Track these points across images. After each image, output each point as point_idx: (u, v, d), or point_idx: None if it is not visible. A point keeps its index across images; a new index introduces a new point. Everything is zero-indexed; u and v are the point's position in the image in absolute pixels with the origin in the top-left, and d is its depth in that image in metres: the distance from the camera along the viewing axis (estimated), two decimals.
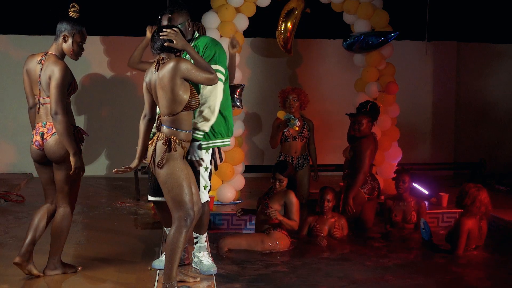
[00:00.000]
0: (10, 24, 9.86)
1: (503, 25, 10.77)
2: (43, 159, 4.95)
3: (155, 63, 4.59)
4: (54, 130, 4.82)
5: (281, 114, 7.38)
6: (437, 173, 10.29)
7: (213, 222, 7.22)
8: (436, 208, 7.84)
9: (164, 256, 4.92)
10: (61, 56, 4.92)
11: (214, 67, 4.79)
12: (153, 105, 4.70)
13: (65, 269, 5.15)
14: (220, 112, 5.01)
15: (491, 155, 10.68)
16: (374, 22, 8.46)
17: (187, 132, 4.59)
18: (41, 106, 4.87)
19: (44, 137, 4.85)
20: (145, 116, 4.72)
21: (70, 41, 4.89)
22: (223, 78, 4.93)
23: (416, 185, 8.14)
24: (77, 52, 4.96)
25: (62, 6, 4.89)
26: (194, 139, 4.82)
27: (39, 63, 4.85)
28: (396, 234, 7.17)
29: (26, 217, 7.18)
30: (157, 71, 4.54)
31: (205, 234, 5.19)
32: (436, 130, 10.94)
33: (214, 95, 4.85)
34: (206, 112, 4.83)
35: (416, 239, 7.04)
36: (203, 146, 4.93)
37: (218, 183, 7.82)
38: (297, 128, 7.34)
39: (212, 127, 4.96)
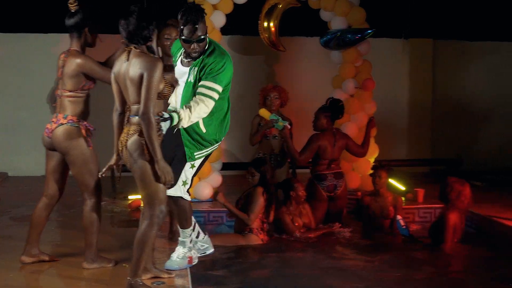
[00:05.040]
0: None
1: (478, 23, 10.85)
2: (50, 146, 5.15)
3: (126, 52, 4.43)
4: (60, 122, 5.03)
5: (264, 112, 7.28)
6: (414, 169, 10.36)
7: None
8: (412, 204, 7.90)
9: (174, 253, 4.92)
10: (82, 50, 5.13)
11: (212, 84, 4.59)
12: (123, 97, 4.56)
13: (103, 263, 5.20)
14: (214, 123, 4.82)
15: (467, 151, 10.77)
16: (351, 19, 8.48)
17: (157, 117, 4.43)
18: (57, 98, 5.16)
19: (51, 125, 5.06)
20: (116, 109, 4.62)
21: (89, 31, 5.13)
22: (216, 97, 4.64)
23: (392, 181, 8.18)
24: (96, 39, 5.23)
25: (50, 4, 4.96)
26: (166, 119, 4.50)
27: (62, 60, 5.09)
28: (374, 229, 7.24)
29: (1, 216, 7.12)
30: (128, 61, 4.38)
31: (187, 230, 5.10)
32: (412, 127, 11.02)
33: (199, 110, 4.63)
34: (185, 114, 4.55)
35: (395, 234, 7.10)
36: (196, 157, 4.82)
37: (195, 180, 7.79)
38: (287, 131, 7.21)
39: (202, 138, 4.80)
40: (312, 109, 7.66)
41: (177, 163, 4.73)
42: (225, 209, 6.81)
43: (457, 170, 9.68)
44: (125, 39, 4.44)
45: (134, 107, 4.42)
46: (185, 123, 4.52)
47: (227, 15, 8.05)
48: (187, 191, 4.89)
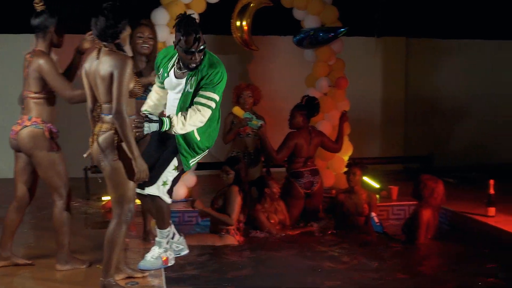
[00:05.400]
0: None
1: (451, 21, 10.95)
2: (17, 148, 5.11)
3: (96, 50, 4.42)
4: (24, 124, 4.97)
5: (237, 111, 7.25)
6: (387, 167, 10.41)
7: None
8: (386, 201, 7.95)
9: (148, 253, 4.84)
10: (48, 51, 5.06)
11: (211, 94, 4.54)
12: (94, 94, 4.51)
13: (76, 264, 5.17)
14: (208, 130, 4.75)
15: (440, 148, 10.86)
16: (324, 17, 8.52)
17: (132, 117, 4.41)
18: (24, 99, 5.09)
19: (16, 127, 5.02)
20: (88, 106, 4.57)
21: (55, 31, 5.06)
22: (214, 106, 4.62)
23: (366, 179, 8.22)
24: (63, 40, 5.16)
25: (22, 4, 4.97)
26: (155, 121, 4.46)
27: (28, 60, 5.02)
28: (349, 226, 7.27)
29: None
30: (98, 59, 4.36)
31: (164, 230, 5.04)
32: (386, 125, 11.07)
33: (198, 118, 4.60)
34: (180, 122, 4.52)
35: (369, 231, 7.14)
36: (191, 164, 4.78)
37: None
38: (265, 129, 7.20)
39: (197, 146, 4.71)
40: (286, 108, 7.68)
41: (162, 163, 4.70)
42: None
43: (430, 167, 9.74)
44: (96, 37, 4.42)
45: (106, 106, 4.39)
46: (178, 129, 4.49)
47: (200, 15, 8.03)
48: (167, 192, 4.83)
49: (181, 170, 4.79)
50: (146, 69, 5.71)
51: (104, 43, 4.39)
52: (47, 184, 5.10)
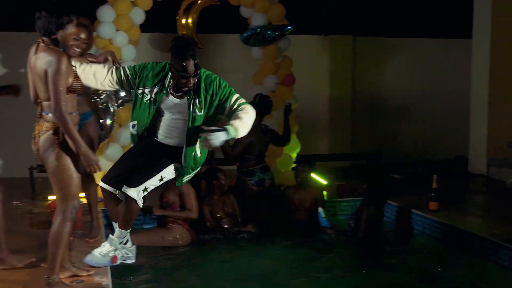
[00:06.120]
0: None
1: (396, 19, 11.13)
2: None
3: (36, 44, 4.35)
4: None
5: None
6: (335, 164, 10.51)
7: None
8: (333, 197, 8.02)
9: (97, 249, 4.81)
10: None
11: (233, 98, 4.62)
12: (36, 88, 4.44)
13: (14, 261, 5.10)
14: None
15: (387, 145, 11.00)
16: (271, 15, 8.55)
17: (73, 113, 4.38)
18: None
19: None
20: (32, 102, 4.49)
21: None
22: (244, 99, 4.69)
23: (314, 175, 8.29)
24: None
25: None
26: (218, 130, 4.47)
27: None
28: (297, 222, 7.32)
29: None
30: (36, 54, 4.31)
31: (124, 231, 4.94)
32: (333, 122, 11.17)
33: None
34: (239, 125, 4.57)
35: (317, 227, 7.19)
36: (184, 180, 4.80)
37: None
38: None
39: (196, 162, 4.76)
40: None
41: (150, 169, 4.69)
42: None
43: (378, 164, 9.88)
44: (37, 31, 4.35)
45: (46, 103, 4.35)
46: (242, 131, 4.55)
47: (146, 12, 7.99)
48: (143, 198, 4.79)
49: (164, 182, 4.79)
50: None
51: (43, 38, 4.34)
52: None
